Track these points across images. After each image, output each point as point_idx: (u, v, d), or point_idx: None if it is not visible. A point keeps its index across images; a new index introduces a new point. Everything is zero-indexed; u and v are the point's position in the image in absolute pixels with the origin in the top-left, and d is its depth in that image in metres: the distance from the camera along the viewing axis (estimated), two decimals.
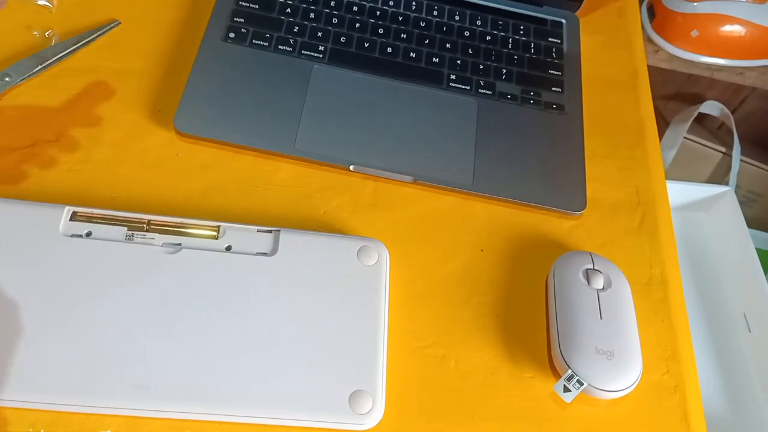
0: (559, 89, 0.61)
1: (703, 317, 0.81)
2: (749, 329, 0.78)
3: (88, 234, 0.45)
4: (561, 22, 0.65)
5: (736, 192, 0.89)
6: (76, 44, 0.54)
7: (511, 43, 0.62)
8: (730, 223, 0.85)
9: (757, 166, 1.04)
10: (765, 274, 0.80)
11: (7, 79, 0.51)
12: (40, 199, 0.46)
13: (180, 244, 0.46)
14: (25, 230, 0.44)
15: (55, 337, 0.41)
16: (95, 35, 0.55)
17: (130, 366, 0.41)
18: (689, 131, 1.03)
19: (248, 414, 0.41)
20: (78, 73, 0.54)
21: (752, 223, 0.92)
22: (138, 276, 0.44)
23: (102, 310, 0.42)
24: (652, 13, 0.89)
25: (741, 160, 1.01)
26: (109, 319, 0.42)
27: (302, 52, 0.57)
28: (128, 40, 0.56)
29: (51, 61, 0.53)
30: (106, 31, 0.56)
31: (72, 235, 0.45)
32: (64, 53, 0.54)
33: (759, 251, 0.86)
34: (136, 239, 0.45)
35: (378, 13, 0.61)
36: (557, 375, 0.46)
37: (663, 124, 1.06)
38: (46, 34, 0.55)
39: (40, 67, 0.53)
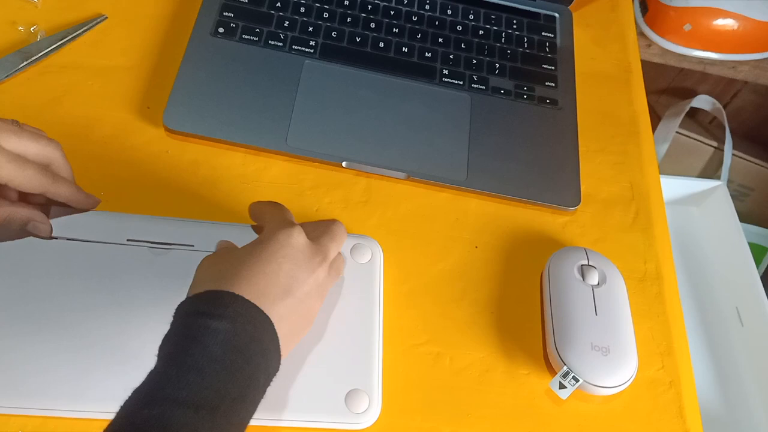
0: (553, 84, 0.60)
1: (696, 312, 0.81)
2: (741, 323, 0.78)
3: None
4: (554, 16, 0.65)
5: (728, 186, 0.89)
6: (61, 40, 0.53)
7: (504, 38, 0.62)
8: (722, 218, 0.85)
9: (748, 160, 1.04)
10: (757, 268, 0.80)
11: None
12: None
13: (170, 245, 0.45)
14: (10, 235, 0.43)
15: (42, 342, 0.40)
16: (81, 30, 0.54)
17: (119, 370, 0.40)
18: (681, 126, 1.03)
19: None
20: (64, 69, 0.53)
21: (744, 217, 0.92)
22: (126, 278, 0.43)
23: (90, 314, 0.42)
24: (644, 6, 0.88)
25: (733, 155, 1.01)
26: (98, 322, 0.41)
27: (293, 47, 0.57)
28: (115, 36, 0.55)
29: (36, 57, 0.52)
30: (93, 26, 0.55)
31: (58, 237, 0.44)
32: (49, 49, 0.53)
33: (751, 245, 0.86)
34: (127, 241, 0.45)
35: (370, 7, 0.61)
36: (553, 372, 0.46)
37: (655, 118, 1.06)
38: (31, 29, 0.54)
39: (24, 63, 0.52)
